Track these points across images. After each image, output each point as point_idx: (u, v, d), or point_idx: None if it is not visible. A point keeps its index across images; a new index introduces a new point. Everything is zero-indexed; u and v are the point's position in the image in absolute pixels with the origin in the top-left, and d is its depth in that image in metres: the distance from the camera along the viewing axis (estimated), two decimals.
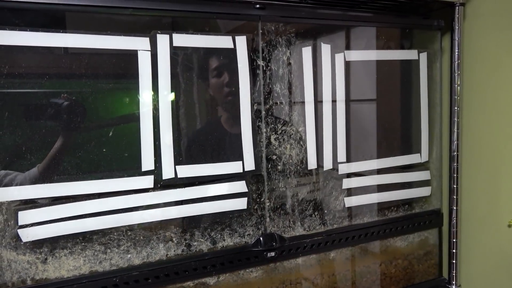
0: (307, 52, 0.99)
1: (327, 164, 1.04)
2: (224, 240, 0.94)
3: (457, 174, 1.15)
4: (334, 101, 1.03)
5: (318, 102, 1.02)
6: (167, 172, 0.87)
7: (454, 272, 1.18)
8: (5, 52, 0.74)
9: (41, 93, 0.78)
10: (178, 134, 0.88)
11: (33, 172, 0.77)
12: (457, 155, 1.14)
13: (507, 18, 1.06)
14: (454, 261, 1.17)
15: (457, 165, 1.15)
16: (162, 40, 0.85)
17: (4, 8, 0.73)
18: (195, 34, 0.88)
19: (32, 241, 0.77)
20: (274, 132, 0.97)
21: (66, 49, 0.79)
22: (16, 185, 0.76)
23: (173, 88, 0.87)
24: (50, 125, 0.78)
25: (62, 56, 0.79)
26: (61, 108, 0.79)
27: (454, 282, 1.19)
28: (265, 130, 0.96)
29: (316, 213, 1.04)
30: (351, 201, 1.08)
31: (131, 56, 0.83)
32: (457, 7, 1.10)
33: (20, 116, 0.76)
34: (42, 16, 0.77)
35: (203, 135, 0.92)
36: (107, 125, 0.84)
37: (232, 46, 0.91)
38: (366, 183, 1.11)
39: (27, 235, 0.77)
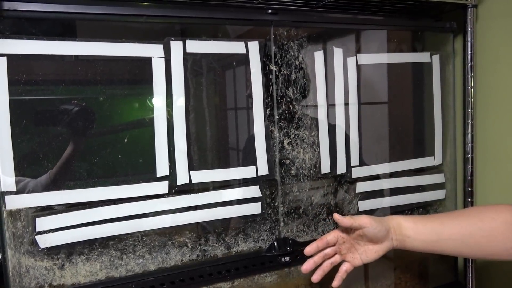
0: (319, 56, 0.99)
1: (341, 168, 1.03)
2: (238, 245, 0.94)
3: (471, 177, 1.14)
4: (346, 105, 1.03)
5: (330, 106, 1.02)
6: (182, 178, 0.87)
7: (470, 275, 1.17)
8: (20, 60, 0.75)
9: (53, 100, 0.79)
10: (193, 139, 0.89)
11: (45, 178, 0.78)
12: (472, 157, 1.13)
13: None
14: (469, 265, 1.16)
15: (471, 167, 1.13)
16: (176, 46, 0.85)
17: (22, 18, 0.75)
18: (208, 40, 0.88)
19: (50, 247, 0.78)
20: (287, 137, 0.97)
21: (84, 56, 0.80)
22: (29, 191, 0.77)
23: (187, 94, 0.87)
24: (60, 130, 0.79)
25: (76, 63, 0.80)
26: (71, 113, 0.79)
27: (470, 286, 1.17)
28: (278, 134, 0.96)
29: (330, 217, 1.03)
30: (365, 205, 1.08)
31: (145, 62, 0.84)
32: (469, 9, 1.10)
33: (31, 122, 0.77)
34: (59, 25, 0.78)
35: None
36: (118, 130, 0.84)
37: (244, 51, 0.91)
38: (380, 187, 1.10)
39: (44, 241, 0.78)
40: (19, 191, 0.76)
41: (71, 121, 0.79)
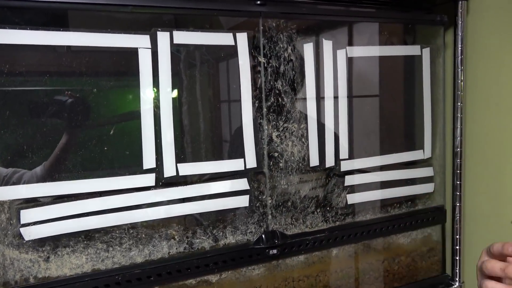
0: (308, 49, 0.99)
1: (329, 161, 1.03)
2: (226, 237, 0.94)
3: (460, 170, 1.14)
4: (336, 98, 1.03)
5: (320, 98, 1.01)
6: (169, 170, 0.87)
7: (457, 268, 1.18)
8: (7, 51, 0.74)
9: (44, 91, 0.78)
10: (180, 131, 0.88)
11: (40, 170, 0.78)
12: (461, 151, 1.14)
13: (511, 13, 1.05)
14: (457, 258, 1.17)
15: (460, 161, 1.14)
16: (163, 37, 0.84)
17: (4, 6, 0.73)
18: (196, 31, 0.87)
19: (35, 239, 0.77)
20: (276, 129, 0.96)
21: (68, 47, 0.79)
22: (24, 182, 0.76)
23: (174, 86, 0.87)
24: (54, 122, 0.78)
25: (64, 54, 0.79)
26: (65, 105, 0.79)
27: (457, 279, 1.18)
28: (266, 127, 0.95)
29: (318, 210, 1.03)
30: (354, 198, 1.08)
31: (132, 53, 0.82)
32: (460, 2, 1.09)
33: (25, 114, 0.76)
34: (42, 14, 0.77)
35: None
36: (110, 122, 0.84)
37: (233, 43, 0.91)
38: (369, 180, 1.10)
39: (29, 233, 0.77)
40: (15, 183, 0.75)
41: (65, 112, 0.78)
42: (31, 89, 0.77)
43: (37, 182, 0.77)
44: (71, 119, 0.79)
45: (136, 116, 0.84)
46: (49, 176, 0.78)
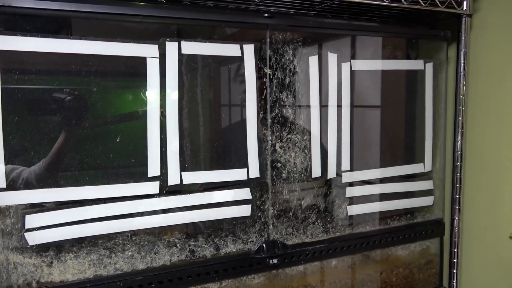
0: (313, 61, 1.00)
1: (331, 173, 1.04)
2: (227, 246, 0.95)
3: (459, 184, 1.15)
4: (339, 111, 1.04)
5: (323, 111, 1.02)
6: (173, 178, 0.87)
7: (454, 281, 1.19)
8: (16, 55, 0.75)
9: (45, 89, 0.78)
10: (185, 140, 0.89)
11: (38, 167, 0.78)
12: (460, 165, 1.15)
13: None
14: (454, 271, 1.18)
15: (460, 175, 1.15)
16: (171, 47, 0.85)
17: (16, 14, 0.74)
18: (204, 42, 0.88)
19: (38, 244, 0.78)
20: (279, 140, 0.97)
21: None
22: (23, 179, 0.77)
23: (181, 95, 0.87)
24: (53, 119, 0.79)
25: (71, 58, 0.80)
26: (64, 102, 0.79)
27: None
28: (270, 138, 0.96)
29: (319, 221, 1.04)
30: (354, 210, 1.09)
31: (140, 63, 0.83)
32: (464, 18, 1.11)
33: (24, 111, 0.76)
34: (53, 22, 0.78)
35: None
36: (111, 122, 0.84)
37: (239, 54, 0.92)
38: (369, 192, 1.11)
39: (33, 238, 0.78)
40: (13, 180, 0.76)
41: (63, 110, 0.79)
42: (34, 88, 0.77)
43: (35, 179, 0.78)
44: (70, 116, 0.80)
45: (137, 116, 0.84)
46: (48, 173, 0.78)
